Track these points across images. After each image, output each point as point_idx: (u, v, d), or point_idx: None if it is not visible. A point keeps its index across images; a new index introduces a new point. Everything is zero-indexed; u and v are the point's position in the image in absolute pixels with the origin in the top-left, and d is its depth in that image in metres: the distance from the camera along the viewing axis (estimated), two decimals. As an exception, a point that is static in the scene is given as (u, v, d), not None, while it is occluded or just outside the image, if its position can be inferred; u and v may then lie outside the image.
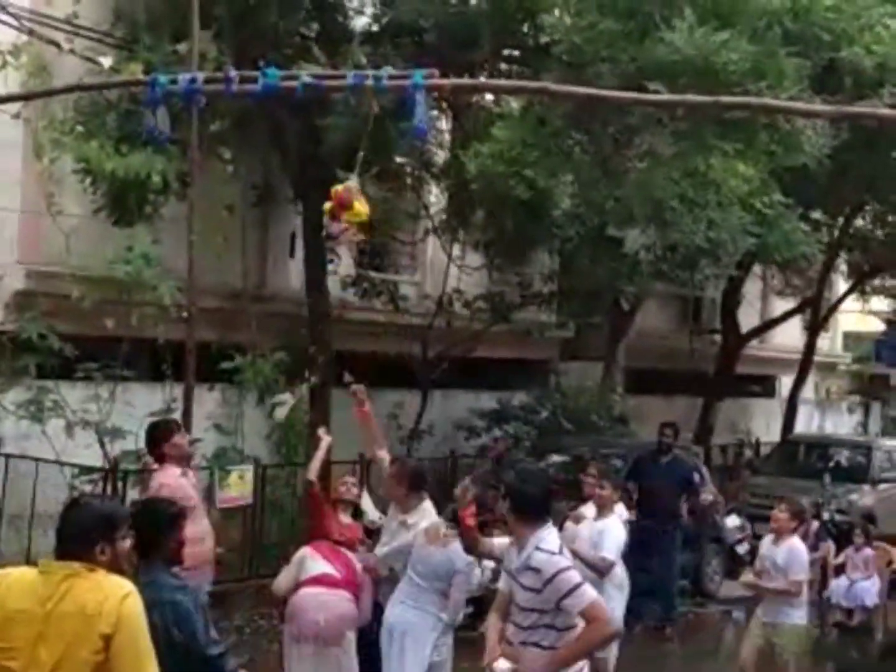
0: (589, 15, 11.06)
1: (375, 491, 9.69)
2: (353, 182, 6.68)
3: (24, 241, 12.25)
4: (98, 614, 4.14)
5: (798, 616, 9.00)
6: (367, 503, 8.62)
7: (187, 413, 9.86)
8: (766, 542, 9.32)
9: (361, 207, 6.65)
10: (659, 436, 13.63)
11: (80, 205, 11.68)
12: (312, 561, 7.72)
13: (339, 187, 6.68)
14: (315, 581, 7.63)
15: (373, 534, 8.36)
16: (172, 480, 7.99)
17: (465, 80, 10.76)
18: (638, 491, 12.68)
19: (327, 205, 6.65)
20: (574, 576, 5.76)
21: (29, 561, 8.80)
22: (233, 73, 6.85)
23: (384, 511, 8.31)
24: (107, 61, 11.07)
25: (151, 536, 5.11)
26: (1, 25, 10.82)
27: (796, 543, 9.11)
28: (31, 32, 11.53)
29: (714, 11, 10.68)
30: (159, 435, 8.34)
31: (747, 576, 9.65)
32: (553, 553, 5.79)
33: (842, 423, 29.91)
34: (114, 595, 4.18)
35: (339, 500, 8.32)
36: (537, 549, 5.80)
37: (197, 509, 7.92)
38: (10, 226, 11.93)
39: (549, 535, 5.89)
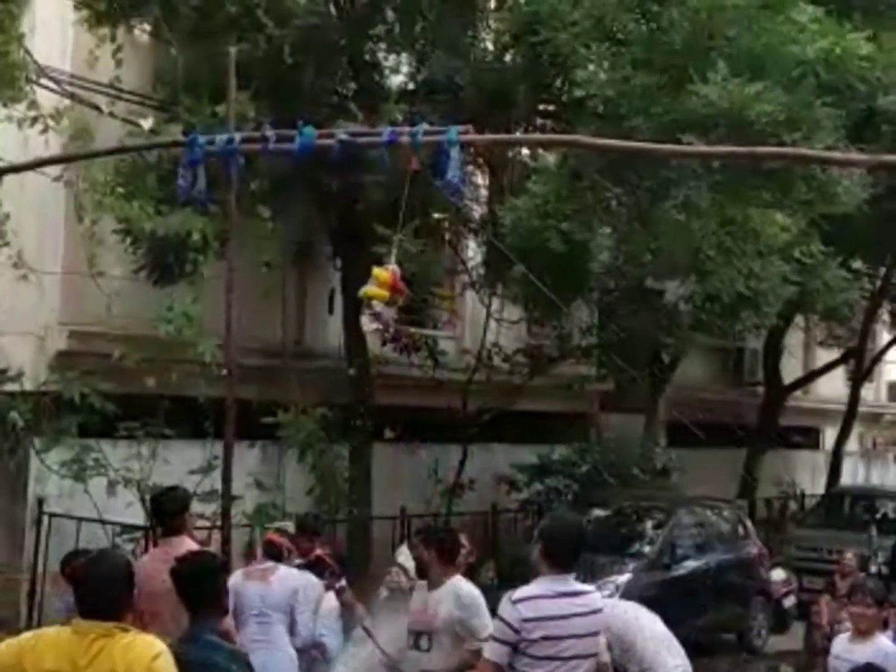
0: (623, 69, 11.11)
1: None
2: (395, 266, 6.67)
3: (66, 302, 12.38)
4: None
5: None
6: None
7: (227, 469, 9.84)
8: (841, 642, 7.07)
9: (405, 289, 6.69)
10: None
11: (121, 265, 11.81)
12: None
13: (384, 273, 6.62)
14: None
15: None
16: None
17: (498, 136, 10.78)
18: None
19: (383, 293, 6.59)
20: None
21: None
22: (269, 132, 6.94)
23: None
24: (147, 123, 11.22)
25: (198, 591, 5.04)
26: (43, 90, 10.96)
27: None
28: (72, 96, 11.71)
29: (747, 63, 10.69)
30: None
31: None
32: None
33: (887, 475, 29.47)
34: (143, 656, 4.17)
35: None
36: None
37: None
38: (53, 287, 12.03)
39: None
